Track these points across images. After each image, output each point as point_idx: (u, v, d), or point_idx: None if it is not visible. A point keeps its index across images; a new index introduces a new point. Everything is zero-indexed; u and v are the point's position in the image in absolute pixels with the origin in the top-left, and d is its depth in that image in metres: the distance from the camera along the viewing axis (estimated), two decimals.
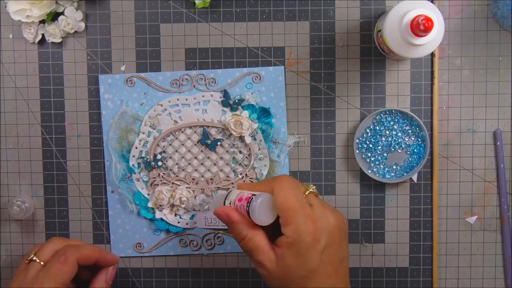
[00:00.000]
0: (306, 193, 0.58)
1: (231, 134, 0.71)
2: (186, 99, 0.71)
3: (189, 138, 0.72)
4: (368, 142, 0.71)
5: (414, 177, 0.72)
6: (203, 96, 0.71)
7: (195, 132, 0.72)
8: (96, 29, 0.72)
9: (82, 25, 0.71)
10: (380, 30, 0.64)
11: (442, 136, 0.71)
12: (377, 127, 0.70)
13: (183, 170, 0.72)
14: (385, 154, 0.71)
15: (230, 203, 0.59)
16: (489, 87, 0.71)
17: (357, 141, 0.71)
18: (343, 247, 0.58)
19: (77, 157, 0.73)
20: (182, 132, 0.72)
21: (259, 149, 0.71)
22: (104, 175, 0.72)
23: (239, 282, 0.73)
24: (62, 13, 0.71)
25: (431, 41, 0.60)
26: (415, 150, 0.70)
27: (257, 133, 0.71)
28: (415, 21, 0.58)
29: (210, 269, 0.74)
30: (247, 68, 0.71)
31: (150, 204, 0.72)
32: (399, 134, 0.70)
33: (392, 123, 0.70)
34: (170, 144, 0.72)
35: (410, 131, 0.70)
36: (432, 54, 0.70)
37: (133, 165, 0.72)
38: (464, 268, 0.72)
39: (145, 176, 0.72)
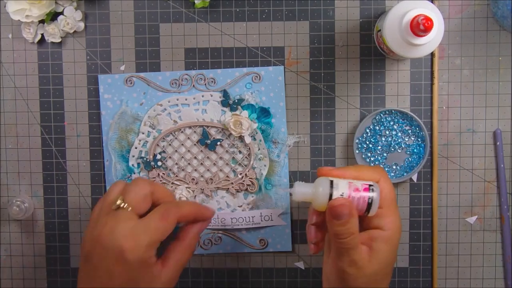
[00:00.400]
0: None
1: (230, 134, 0.71)
2: (186, 99, 0.71)
3: (188, 138, 0.72)
4: (368, 142, 0.70)
5: (414, 177, 0.72)
6: (202, 96, 0.71)
7: (194, 132, 0.71)
8: (96, 29, 0.72)
9: (82, 25, 0.71)
10: (380, 30, 0.64)
11: (442, 136, 0.71)
12: (377, 127, 0.70)
13: (182, 170, 0.72)
14: (385, 154, 0.71)
15: (342, 194, 0.54)
16: (489, 87, 0.71)
17: (357, 141, 0.71)
18: None
19: (77, 157, 0.73)
20: (182, 132, 0.71)
21: (259, 149, 0.71)
22: (104, 175, 0.72)
23: (239, 282, 0.73)
24: (61, 13, 0.71)
25: (431, 41, 0.60)
26: (415, 150, 0.70)
27: (256, 133, 0.71)
28: (415, 21, 0.58)
29: (209, 269, 0.74)
30: (246, 68, 0.71)
31: None
32: (399, 134, 0.70)
33: (392, 123, 0.70)
34: (169, 144, 0.72)
35: (410, 131, 0.70)
36: (432, 54, 0.70)
37: (132, 165, 0.72)
38: (464, 268, 0.72)
39: (145, 176, 0.72)
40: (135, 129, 0.71)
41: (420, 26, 0.57)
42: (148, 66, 0.72)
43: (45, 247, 0.74)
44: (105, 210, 0.57)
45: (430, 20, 0.57)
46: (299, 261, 0.73)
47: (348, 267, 0.54)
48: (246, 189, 0.71)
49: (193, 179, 0.72)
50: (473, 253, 0.72)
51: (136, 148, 0.72)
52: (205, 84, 0.71)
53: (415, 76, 0.71)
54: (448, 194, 0.72)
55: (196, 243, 0.60)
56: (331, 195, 0.54)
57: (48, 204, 0.73)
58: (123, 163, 0.72)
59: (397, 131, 0.70)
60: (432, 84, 0.71)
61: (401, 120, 0.70)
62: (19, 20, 0.70)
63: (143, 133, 0.71)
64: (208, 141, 0.71)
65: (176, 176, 0.72)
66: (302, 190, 0.56)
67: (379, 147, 0.70)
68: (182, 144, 0.72)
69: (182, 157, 0.72)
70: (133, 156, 0.72)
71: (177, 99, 0.71)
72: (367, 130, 0.70)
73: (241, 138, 0.71)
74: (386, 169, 0.71)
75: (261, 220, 0.71)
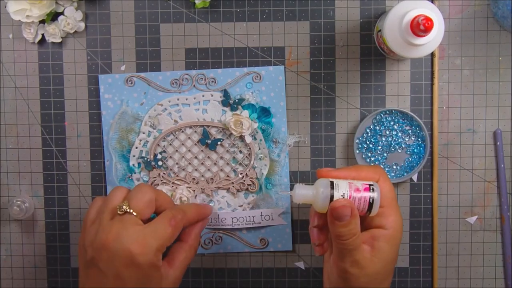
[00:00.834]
0: None
1: (231, 133, 0.71)
2: (186, 99, 0.71)
3: (189, 137, 0.72)
4: (368, 142, 0.71)
5: (414, 177, 0.72)
6: (203, 96, 0.71)
7: (195, 131, 0.72)
8: (96, 29, 0.72)
9: (82, 25, 0.71)
10: (380, 30, 0.64)
11: (442, 136, 0.71)
12: (377, 127, 0.70)
13: (183, 169, 0.72)
14: (385, 154, 0.71)
15: (343, 195, 0.54)
16: (489, 87, 0.71)
17: (357, 141, 0.71)
18: None
19: (77, 157, 0.73)
20: (182, 131, 0.71)
21: (259, 149, 0.71)
22: (104, 175, 0.72)
23: (239, 282, 0.74)
24: (62, 13, 0.71)
25: (431, 41, 0.60)
26: (415, 150, 0.70)
27: (257, 132, 0.71)
28: (415, 21, 0.58)
29: (210, 269, 0.74)
30: (247, 67, 0.71)
31: None
32: (399, 134, 0.70)
33: (392, 123, 0.70)
34: (170, 144, 0.72)
35: (410, 131, 0.70)
36: (432, 54, 0.70)
37: (133, 165, 0.72)
38: (464, 268, 0.72)
39: (145, 176, 0.72)
40: (135, 129, 0.71)
41: (420, 26, 0.57)
42: (148, 66, 0.72)
43: (46, 247, 0.74)
44: (108, 215, 0.57)
45: (430, 20, 0.57)
46: (299, 261, 0.73)
47: (350, 267, 0.54)
48: (247, 189, 0.71)
49: (193, 178, 0.72)
50: (473, 253, 0.72)
51: (136, 148, 0.72)
52: (206, 84, 0.71)
53: (415, 76, 0.71)
54: (448, 194, 0.72)
55: (198, 243, 0.62)
56: (332, 197, 0.54)
57: (48, 204, 0.73)
58: (123, 163, 0.72)
59: (397, 131, 0.70)
60: (432, 84, 0.71)
61: (401, 120, 0.70)
62: (19, 20, 0.70)
63: (143, 133, 0.71)
64: (209, 141, 0.71)
65: (177, 176, 0.72)
66: (302, 193, 0.56)
67: (380, 147, 0.70)
68: (183, 144, 0.72)
69: (183, 156, 0.72)
70: (134, 156, 0.72)
71: (178, 99, 0.71)
72: (368, 130, 0.70)
73: (241, 137, 0.71)
74: (386, 169, 0.71)
75: (262, 220, 0.71)
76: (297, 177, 0.72)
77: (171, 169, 0.72)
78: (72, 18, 0.70)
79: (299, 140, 0.72)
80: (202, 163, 0.72)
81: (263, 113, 0.71)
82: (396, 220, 0.55)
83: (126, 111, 0.71)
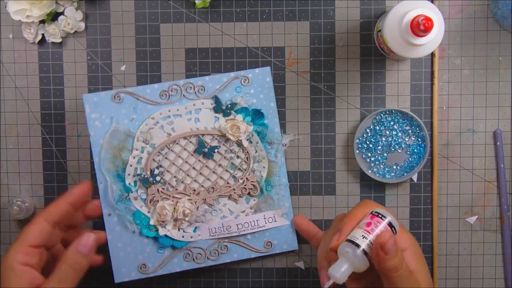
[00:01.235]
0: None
1: (227, 140, 0.70)
2: (178, 110, 0.70)
3: (184, 148, 0.70)
4: (368, 142, 0.71)
5: (414, 177, 0.72)
6: (194, 105, 0.70)
7: (190, 142, 0.70)
8: (96, 29, 0.72)
9: (82, 25, 0.71)
10: (380, 30, 0.64)
11: (442, 136, 0.71)
12: (377, 127, 0.70)
13: (182, 182, 0.70)
14: (385, 154, 0.71)
15: (367, 238, 0.54)
16: (489, 87, 0.71)
17: (357, 141, 0.71)
18: None
19: (77, 157, 0.73)
20: (177, 143, 0.70)
21: (256, 151, 0.71)
22: (100, 198, 0.69)
23: (239, 282, 0.73)
24: (62, 13, 0.71)
25: (431, 41, 0.60)
26: (415, 150, 0.70)
27: (252, 135, 0.70)
28: (415, 21, 0.58)
29: (210, 269, 0.73)
30: (234, 72, 0.70)
31: (152, 222, 0.70)
32: (399, 134, 0.70)
33: (392, 123, 0.70)
34: (165, 158, 0.70)
35: (410, 131, 0.70)
36: (432, 54, 0.70)
37: (129, 183, 0.70)
38: (464, 268, 0.72)
39: (143, 194, 0.70)
40: (128, 146, 0.69)
41: (420, 26, 0.57)
42: (148, 66, 0.72)
43: None
44: None
45: (430, 20, 0.57)
46: (299, 261, 0.73)
47: None
48: (249, 193, 0.71)
49: (194, 190, 0.71)
50: (473, 253, 0.72)
51: (131, 165, 0.69)
52: (195, 92, 0.70)
53: (415, 76, 0.71)
54: (448, 194, 0.72)
55: (83, 262, 0.59)
56: (364, 251, 0.54)
57: (48, 204, 0.73)
58: (119, 183, 0.69)
59: (397, 131, 0.70)
60: (432, 84, 0.71)
61: (401, 120, 0.70)
62: (19, 20, 0.70)
63: (136, 150, 0.69)
64: (205, 149, 0.70)
65: (176, 189, 0.70)
66: (342, 271, 0.54)
67: (379, 147, 0.70)
68: (179, 156, 0.70)
69: (180, 169, 0.70)
70: (129, 175, 0.69)
71: (169, 111, 0.70)
72: (368, 130, 0.70)
73: (237, 142, 0.70)
74: (386, 169, 0.71)
75: (266, 223, 0.71)
76: (297, 177, 0.72)
77: (169, 183, 0.70)
78: (72, 18, 0.70)
79: (294, 138, 0.72)
80: (200, 173, 0.71)
81: (256, 115, 0.70)
82: (407, 236, 0.57)
83: (117, 129, 0.69)
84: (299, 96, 0.71)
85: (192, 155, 0.70)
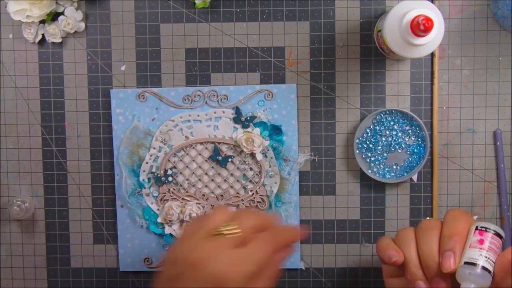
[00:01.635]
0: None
1: (242, 151, 0.71)
2: (198, 115, 0.71)
3: (200, 154, 0.71)
4: (368, 142, 0.71)
5: (414, 177, 0.72)
6: (215, 113, 0.71)
7: (206, 148, 0.71)
8: (96, 29, 0.72)
9: (82, 25, 0.71)
10: (380, 30, 0.64)
11: (442, 136, 0.71)
12: (377, 127, 0.70)
13: (193, 186, 0.72)
14: (385, 154, 0.71)
15: (485, 256, 0.53)
16: (489, 87, 0.71)
17: (357, 141, 0.71)
18: None
19: (77, 157, 0.73)
20: (193, 148, 0.71)
21: (270, 166, 0.71)
22: (114, 189, 0.72)
23: None
24: (62, 13, 0.71)
25: (431, 41, 0.60)
26: (415, 150, 0.70)
27: (268, 150, 0.71)
28: (415, 21, 0.58)
29: None
30: (259, 85, 0.71)
31: (159, 220, 0.72)
32: (399, 134, 0.70)
33: (392, 123, 0.70)
34: (180, 160, 0.71)
35: (410, 131, 0.70)
36: (432, 54, 0.70)
37: (143, 180, 0.72)
38: None
39: (155, 191, 0.72)
40: (146, 144, 0.71)
41: (420, 26, 0.57)
42: (148, 66, 0.72)
43: (46, 247, 0.74)
44: (204, 234, 0.54)
45: (430, 20, 0.57)
46: (299, 261, 0.73)
47: None
48: (256, 206, 0.71)
49: (203, 195, 0.72)
50: None
51: (147, 163, 0.71)
52: (218, 100, 0.71)
53: (415, 76, 0.71)
54: (448, 194, 0.72)
55: (276, 272, 0.57)
56: (487, 269, 0.53)
57: (48, 204, 0.73)
58: (133, 178, 0.72)
59: (397, 131, 0.70)
60: (432, 84, 0.71)
61: (401, 120, 0.70)
62: (19, 20, 0.70)
63: (154, 148, 0.71)
64: (220, 158, 0.71)
65: (187, 191, 0.72)
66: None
67: (379, 147, 0.70)
68: (193, 160, 0.71)
69: (193, 173, 0.72)
70: (144, 171, 0.72)
71: (189, 115, 0.71)
72: (367, 130, 0.70)
73: (252, 155, 0.71)
74: (386, 169, 0.71)
75: None
76: (297, 177, 0.72)
77: (181, 185, 0.72)
78: (72, 18, 0.70)
79: (311, 159, 0.71)
80: (212, 180, 0.72)
81: (275, 131, 0.71)
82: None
83: (138, 126, 0.71)
84: (299, 96, 0.71)
85: (206, 161, 0.71)
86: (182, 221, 0.72)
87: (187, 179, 0.72)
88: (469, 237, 0.55)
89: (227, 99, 0.71)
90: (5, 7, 0.70)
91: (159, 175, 0.71)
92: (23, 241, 0.74)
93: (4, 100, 0.73)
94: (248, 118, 0.70)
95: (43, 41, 0.72)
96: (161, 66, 0.72)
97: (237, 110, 0.71)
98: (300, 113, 0.72)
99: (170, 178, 0.71)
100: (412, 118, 0.70)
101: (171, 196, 0.72)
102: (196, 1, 0.69)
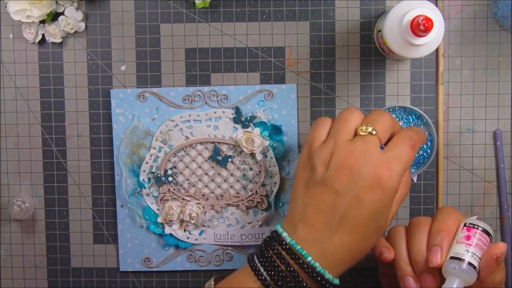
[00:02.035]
0: None
1: (242, 151, 0.71)
2: (198, 115, 0.71)
3: (200, 154, 0.71)
4: None
5: (414, 178, 0.72)
6: (215, 113, 0.71)
7: (206, 148, 0.71)
8: (96, 29, 0.72)
9: (82, 25, 0.71)
10: (380, 30, 0.64)
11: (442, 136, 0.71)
12: None
13: (193, 186, 0.72)
14: None
15: (471, 252, 0.54)
16: (489, 87, 0.71)
17: None
18: None
19: (77, 157, 0.73)
20: (193, 148, 0.71)
21: (270, 167, 0.71)
22: (114, 189, 0.72)
23: None
24: (62, 13, 0.71)
25: (431, 41, 0.60)
26: (423, 147, 0.70)
27: (268, 150, 0.71)
28: (415, 21, 0.58)
29: (210, 269, 0.74)
30: (259, 85, 0.71)
31: (159, 220, 0.72)
32: None
33: (396, 119, 0.70)
34: (181, 160, 0.72)
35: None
36: (437, 53, 0.70)
37: (143, 180, 0.72)
38: None
39: (155, 191, 0.72)
40: (146, 144, 0.71)
41: (420, 26, 0.57)
42: (148, 66, 0.72)
43: (46, 247, 0.74)
44: (346, 136, 0.54)
45: (430, 20, 0.57)
46: None
47: None
48: (256, 206, 0.71)
49: (203, 195, 0.72)
50: None
51: (147, 163, 0.71)
52: (218, 100, 0.71)
53: (415, 76, 0.71)
54: (448, 194, 0.72)
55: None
56: (471, 264, 0.53)
57: (48, 204, 0.74)
58: (133, 178, 0.72)
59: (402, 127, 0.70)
60: (437, 83, 0.71)
61: (404, 116, 0.70)
62: (19, 20, 0.70)
63: (154, 148, 0.71)
64: (220, 158, 0.71)
65: (187, 191, 0.72)
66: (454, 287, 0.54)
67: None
68: (193, 160, 0.71)
69: (193, 173, 0.72)
70: (144, 171, 0.72)
71: (189, 115, 0.71)
72: None
73: (252, 155, 0.71)
74: None
75: None
76: None
77: (181, 185, 0.72)
78: (72, 18, 0.70)
79: None
80: (212, 180, 0.72)
81: (275, 131, 0.71)
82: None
83: (138, 126, 0.71)
84: (299, 96, 0.71)
85: (206, 161, 0.71)
86: (182, 221, 0.72)
87: (187, 179, 0.72)
88: (457, 233, 0.55)
89: (227, 99, 0.71)
90: (5, 7, 0.70)
91: (159, 175, 0.71)
92: (23, 241, 0.74)
93: (4, 100, 0.73)
94: (248, 118, 0.70)
95: (43, 41, 0.72)
96: (161, 66, 0.72)
97: (237, 110, 0.71)
98: (300, 113, 0.72)
99: (170, 178, 0.71)
100: (414, 115, 0.70)
101: (171, 196, 0.72)
102: (196, 1, 0.69)
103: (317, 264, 0.52)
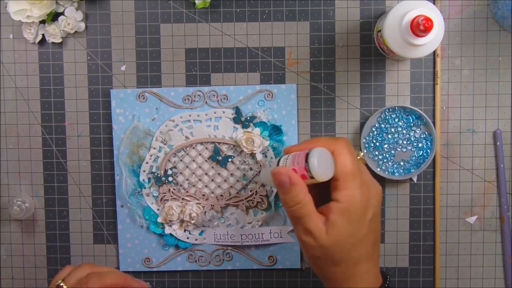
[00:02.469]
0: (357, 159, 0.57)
1: (242, 151, 0.71)
2: (198, 115, 0.71)
3: (200, 154, 0.71)
4: (375, 141, 0.71)
5: (414, 178, 0.72)
6: (215, 113, 0.71)
7: (206, 148, 0.71)
8: (96, 29, 0.72)
9: (82, 25, 0.71)
10: (380, 30, 0.64)
11: (442, 136, 0.71)
12: (383, 125, 0.70)
13: (193, 186, 0.72)
14: (392, 152, 0.71)
15: (285, 165, 0.55)
16: (489, 87, 0.71)
17: (364, 140, 0.71)
18: (380, 216, 0.59)
19: (77, 157, 0.73)
20: (193, 148, 0.71)
21: (270, 166, 0.71)
22: (114, 189, 0.72)
23: (239, 282, 0.74)
24: (62, 13, 0.71)
25: (431, 41, 0.60)
26: (420, 145, 0.70)
27: (268, 150, 0.71)
28: (415, 21, 0.58)
29: (210, 269, 0.74)
30: (259, 85, 0.71)
31: (159, 220, 0.72)
32: (404, 131, 0.70)
33: (397, 120, 0.70)
34: (181, 160, 0.72)
35: (415, 127, 0.70)
36: (435, 54, 0.70)
37: (143, 180, 0.72)
38: (464, 268, 0.73)
39: (155, 191, 0.72)
40: (146, 144, 0.71)
41: (420, 26, 0.57)
42: (148, 66, 0.72)
43: (46, 247, 0.74)
44: None
45: (430, 20, 0.57)
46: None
47: (304, 236, 0.54)
48: (256, 206, 0.71)
49: (203, 195, 0.72)
50: (473, 253, 0.72)
51: (147, 163, 0.72)
52: (218, 100, 0.71)
53: (415, 76, 0.71)
54: (448, 194, 0.72)
55: None
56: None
57: (48, 204, 0.74)
58: (133, 178, 0.72)
59: (402, 127, 0.70)
60: (434, 84, 0.71)
61: (404, 116, 0.70)
62: (20, 20, 0.70)
63: (154, 148, 0.71)
64: (220, 158, 0.71)
65: (187, 191, 0.72)
66: (262, 173, 0.58)
67: (386, 145, 0.70)
68: (193, 160, 0.72)
69: (193, 173, 0.72)
70: (144, 171, 0.72)
71: (189, 115, 0.71)
72: (373, 129, 0.70)
73: (252, 155, 0.71)
74: (395, 166, 0.71)
75: (271, 237, 0.71)
76: None
77: (181, 185, 0.72)
78: (72, 18, 0.71)
79: None
80: (212, 180, 0.72)
81: (275, 131, 0.71)
82: (352, 195, 0.54)
83: (138, 126, 0.71)
84: (299, 96, 0.71)
85: (206, 161, 0.72)
86: (182, 221, 0.72)
87: (187, 179, 0.72)
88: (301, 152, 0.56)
89: (227, 99, 0.71)
90: (5, 7, 0.70)
91: (159, 175, 0.71)
92: (23, 241, 0.74)
93: (4, 100, 0.73)
94: (248, 118, 0.70)
95: (43, 41, 0.72)
96: (161, 66, 0.72)
97: (237, 110, 0.71)
98: (300, 113, 0.72)
99: (170, 178, 0.71)
100: (414, 115, 0.70)
101: (171, 196, 0.72)
102: (196, 1, 0.69)
103: None
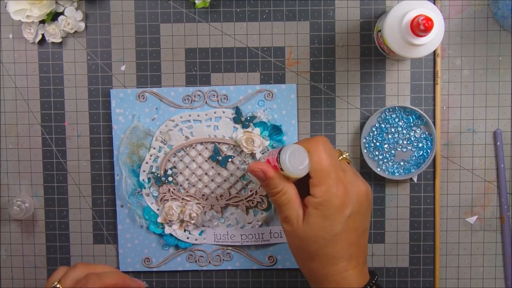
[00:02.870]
0: (340, 158, 0.60)
1: (242, 151, 0.71)
2: (198, 115, 0.71)
3: (200, 154, 0.71)
4: (375, 141, 0.71)
5: (415, 178, 0.72)
6: (215, 113, 0.71)
7: (206, 148, 0.71)
8: (96, 29, 0.72)
9: (82, 25, 0.71)
10: (380, 30, 0.64)
11: (442, 136, 0.71)
12: (383, 125, 0.70)
13: (193, 186, 0.72)
14: (392, 152, 0.71)
15: (262, 160, 0.59)
16: (489, 87, 0.71)
17: (364, 140, 0.71)
18: (368, 218, 0.59)
19: (77, 157, 0.73)
20: (193, 148, 0.71)
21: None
22: (114, 189, 0.72)
23: (239, 282, 0.74)
24: (62, 13, 0.71)
25: (431, 41, 0.60)
26: (420, 145, 0.70)
27: (268, 150, 0.71)
28: (415, 21, 0.58)
29: (210, 269, 0.74)
30: (259, 85, 0.71)
31: (159, 220, 0.72)
32: (404, 131, 0.70)
33: (397, 119, 0.70)
34: (180, 160, 0.72)
35: (415, 127, 0.70)
36: (435, 54, 0.70)
37: (143, 180, 0.72)
38: (464, 268, 0.73)
39: (155, 191, 0.72)
40: (146, 144, 0.71)
41: (420, 26, 0.57)
42: (148, 66, 0.72)
43: (46, 247, 0.74)
44: None
45: (430, 20, 0.57)
46: None
47: (284, 223, 0.58)
48: (256, 206, 0.71)
49: (203, 195, 0.72)
50: (473, 253, 0.72)
51: (147, 163, 0.71)
52: (218, 100, 0.71)
53: (415, 76, 0.71)
54: (448, 194, 0.72)
55: None
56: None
57: (48, 204, 0.73)
58: (133, 178, 0.72)
59: (403, 127, 0.70)
60: (435, 84, 0.71)
61: (404, 116, 0.70)
62: (19, 20, 0.70)
63: (154, 148, 0.71)
64: (220, 158, 0.71)
65: (187, 191, 0.72)
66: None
67: (386, 145, 0.70)
68: (193, 160, 0.71)
69: (193, 173, 0.72)
70: (144, 171, 0.72)
71: (189, 115, 0.71)
72: (373, 129, 0.70)
73: (252, 155, 0.71)
74: (395, 165, 0.71)
75: (271, 237, 0.71)
76: None
77: (181, 185, 0.72)
78: (72, 18, 0.70)
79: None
80: (212, 180, 0.72)
81: (275, 131, 0.71)
82: (326, 190, 0.56)
83: (138, 126, 0.71)
84: (299, 96, 0.71)
85: (206, 161, 0.71)
86: (182, 221, 0.72)
87: (187, 179, 0.72)
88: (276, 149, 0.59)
89: (227, 99, 0.71)
90: (5, 7, 0.70)
91: (159, 175, 0.71)
92: (23, 241, 0.74)
93: (4, 100, 0.73)
94: (248, 118, 0.70)
95: (43, 41, 0.72)
96: (161, 66, 0.72)
97: (237, 110, 0.71)
98: (300, 113, 0.72)
99: (170, 178, 0.71)
100: (414, 115, 0.70)
101: (171, 196, 0.72)
102: (196, 1, 0.69)
103: None
